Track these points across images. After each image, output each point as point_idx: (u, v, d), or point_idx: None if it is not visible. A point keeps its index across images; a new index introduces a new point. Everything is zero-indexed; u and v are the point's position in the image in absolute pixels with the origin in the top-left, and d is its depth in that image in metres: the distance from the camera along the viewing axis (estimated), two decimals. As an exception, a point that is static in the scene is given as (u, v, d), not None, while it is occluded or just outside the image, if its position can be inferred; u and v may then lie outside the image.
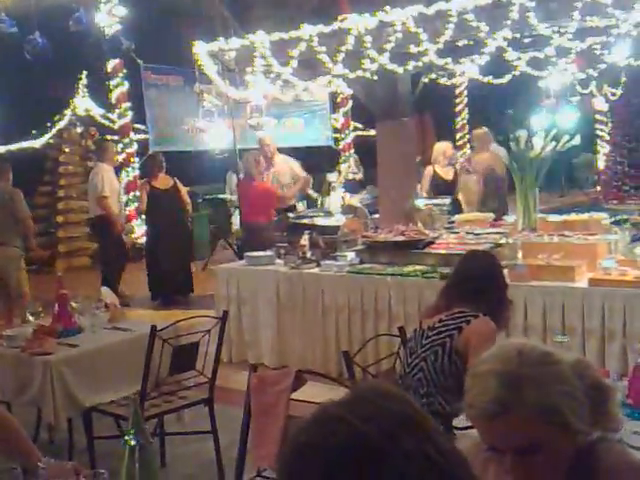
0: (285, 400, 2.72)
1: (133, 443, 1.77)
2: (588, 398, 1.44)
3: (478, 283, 3.10)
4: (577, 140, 5.32)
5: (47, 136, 12.75)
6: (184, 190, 8.18)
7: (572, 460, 1.43)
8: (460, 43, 5.51)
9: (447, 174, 7.43)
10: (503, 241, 4.92)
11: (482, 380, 1.41)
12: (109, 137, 11.42)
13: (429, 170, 7.50)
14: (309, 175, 8.27)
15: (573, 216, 5.28)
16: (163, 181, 7.91)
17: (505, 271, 4.18)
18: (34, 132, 13.16)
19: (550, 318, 4.29)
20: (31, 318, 4.11)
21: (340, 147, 11.43)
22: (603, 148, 13.12)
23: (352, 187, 10.99)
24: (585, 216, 5.21)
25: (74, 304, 4.03)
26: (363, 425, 0.96)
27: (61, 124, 12.51)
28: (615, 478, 1.42)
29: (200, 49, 6.59)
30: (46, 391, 3.45)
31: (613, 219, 5.07)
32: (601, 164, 12.84)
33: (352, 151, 11.04)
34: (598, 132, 13.17)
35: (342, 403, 1.02)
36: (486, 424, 1.41)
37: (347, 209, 6.79)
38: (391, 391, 1.06)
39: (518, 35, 5.38)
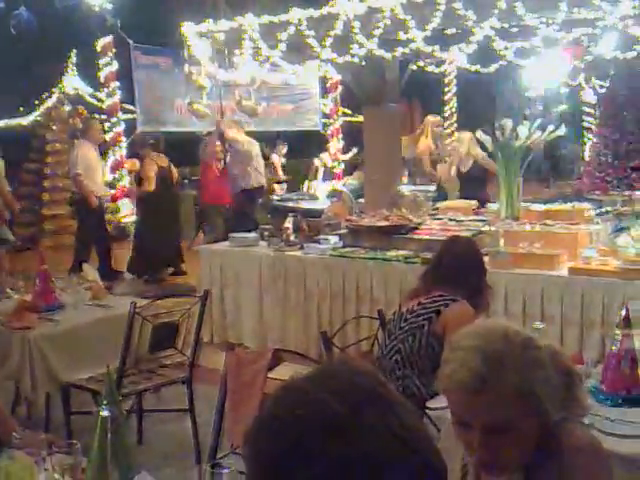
0: (262, 379, 2.75)
1: (105, 414, 1.79)
2: (558, 383, 1.47)
3: (457, 268, 3.15)
4: (562, 130, 5.35)
5: (35, 114, 12.67)
6: (175, 170, 8.24)
7: (538, 439, 1.46)
8: (448, 31, 5.51)
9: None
10: (486, 228, 4.96)
11: (464, 354, 1.42)
12: (97, 116, 11.36)
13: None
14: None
15: (556, 206, 5.31)
16: (162, 160, 8.00)
17: (487, 258, 4.25)
18: (22, 109, 13.07)
19: (530, 306, 4.33)
20: (12, 293, 4.11)
21: (329, 132, 11.43)
22: (591, 140, 13.20)
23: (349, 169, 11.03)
24: (568, 206, 5.24)
25: (56, 280, 4.04)
26: (328, 398, 0.97)
27: (49, 102, 12.43)
28: (577, 456, 1.46)
29: (189, 30, 6.56)
30: (25, 365, 3.46)
31: (598, 210, 5.10)
32: (586, 155, 12.93)
33: (340, 136, 11.06)
34: (586, 124, 13.24)
35: (309, 377, 1.03)
36: (461, 397, 1.43)
37: (332, 193, 6.81)
38: (358, 366, 1.08)
39: (506, 25, 5.39)
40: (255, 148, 8.25)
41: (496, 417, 1.41)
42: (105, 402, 1.78)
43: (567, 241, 4.55)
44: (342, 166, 11.22)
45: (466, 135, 6.58)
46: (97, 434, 1.78)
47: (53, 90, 12.46)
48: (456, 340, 1.49)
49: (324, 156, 11.38)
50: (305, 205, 6.05)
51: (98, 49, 9.88)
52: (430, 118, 8.47)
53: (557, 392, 1.46)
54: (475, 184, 6.58)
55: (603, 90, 10.14)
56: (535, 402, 1.42)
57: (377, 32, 5.48)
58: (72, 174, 7.93)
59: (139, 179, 8.00)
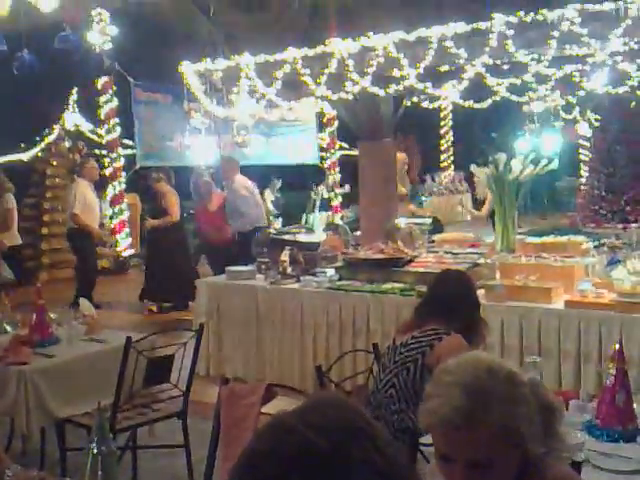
0: (255, 413, 2.74)
1: (95, 452, 1.79)
2: (539, 418, 1.47)
3: (450, 301, 3.15)
4: (555, 164, 5.41)
5: (35, 149, 12.78)
6: None
7: (518, 473, 1.46)
8: (441, 68, 5.61)
9: None
10: (481, 261, 4.98)
11: (448, 389, 1.42)
12: (97, 152, 11.47)
13: None
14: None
15: (551, 238, 5.34)
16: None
17: (482, 291, 4.27)
18: (23, 145, 13.19)
19: (527, 339, 4.33)
20: (9, 328, 4.11)
21: (326, 166, 11.55)
22: (586, 173, 13.32)
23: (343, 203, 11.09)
24: (564, 239, 5.27)
25: (52, 315, 4.04)
26: (314, 435, 0.98)
27: (50, 138, 12.56)
28: None
29: (187, 68, 6.69)
30: (20, 401, 3.44)
31: (597, 243, 5.12)
32: (582, 188, 13.04)
33: (337, 170, 11.17)
34: (582, 157, 13.37)
35: (296, 412, 1.04)
36: (445, 433, 1.42)
37: (329, 226, 6.85)
38: (344, 401, 1.09)
39: (498, 61, 5.49)
40: (250, 189, 8.29)
41: (479, 453, 1.40)
42: (96, 439, 1.78)
43: (563, 274, 4.57)
44: (339, 199, 11.30)
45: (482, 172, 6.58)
46: (88, 472, 1.78)
47: (54, 127, 12.60)
48: (439, 375, 1.49)
49: (320, 188, 11.46)
50: (302, 238, 6.06)
51: (99, 87, 10.05)
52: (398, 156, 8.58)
53: (539, 428, 1.46)
54: None
55: (598, 124, 10.27)
56: (518, 438, 1.42)
57: (370, 70, 5.58)
58: (69, 214, 8.19)
59: (161, 210, 8.11)
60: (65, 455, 3.58)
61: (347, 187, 10.93)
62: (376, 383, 3.22)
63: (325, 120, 11.11)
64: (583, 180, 12.38)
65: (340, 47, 5.67)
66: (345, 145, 12.48)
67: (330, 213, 10.83)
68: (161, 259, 8.05)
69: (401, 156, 8.59)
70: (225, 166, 8.24)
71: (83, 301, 4.27)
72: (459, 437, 1.40)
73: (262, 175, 12.56)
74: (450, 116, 12.75)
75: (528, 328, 4.32)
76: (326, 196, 11.34)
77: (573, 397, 2.88)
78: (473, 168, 5.24)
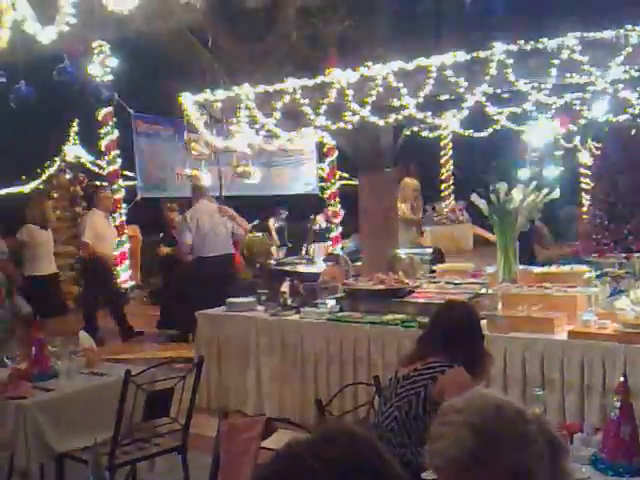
0: (255, 448, 2.70)
1: (92, 490, 1.76)
2: (547, 454, 1.43)
3: (453, 333, 3.11)
4: (557, 193, 5.41)
5: (36, 182, 12.84)
6: None
7: None
8: (441, 97, 5.64)
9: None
10: (483, 291, 4.94)
11: (456, 429, 1.38)
12: (98, 183, 11.51)
13: None
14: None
15: (553, 268, 5.31)
16: None
17: (484, 322, 4.22)
18: (24, 178, 13.25)
19: (530, 370, 4.27)
20: (8, 362, 4.07)
21: (326, 196, 11.58)
22: (587, 201, 13.33)
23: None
24: (566, 268, 5.24)
25: (51, 348, 4.01)
26: (321, 466, 0.97)
27: (51, 170, 12.62)
28: None
29: (187, 100, 6.74)
30: (19, 436, 3.41)
31: (599, 272, 5.09)
32: (584, 217, 13.04)
33: (337, 200, 11.19)
34: (583, 185, 13.40)
35: (306, 442, 1.03)
36: (454, 474, 1.38)
37: (329, 257, 6.83)
38: (356, 434, 1.06)
39: (498, 90, 5.52)
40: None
41: None
42: (91, 477, 1.74)
43: (566, 304, 4.53)
44: (339, 229, 11.30)
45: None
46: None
47: (55, 159, 12.68)
48: (445, 414, 1.44)
49: (319, 218, 11.49)
50: (302, 269, 6.05)
51: (99, 118, 10.12)
52: (408, 181, 8.61)
53: (547, 466, 1.42)
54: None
55: (599, 152, 10.31)
56: (528, 477, 1.38)
57: (370, 99, 5.61)
58: (80, 242, 8.25)
59: (173, 239, 8.09)
60: (62, 491, 3.51)
61: (341, 212, 10.96)
62: (377, 416, 3.17)
63: (325, 150, 11.17)
64: (584, 209, 12.39)
65: (340, 77, 5.71)
66: (345, 175, 12.53)
67: (330, 244, 10.83)
68: (175, 288, 7.96)
69: (412, 182, 8.56)
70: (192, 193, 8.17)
71: (82, 334, 4.23)
72: (467, 478, 1.37)
73: (263, 205, 12.61)
74: (450, 145, 12.81)
75: (531, 359, 4.27)
76: (324, 226, 11.37)
77: (577, 430, 2.83)
78: (474, 198, 5.24)
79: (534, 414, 1.49)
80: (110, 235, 8.45)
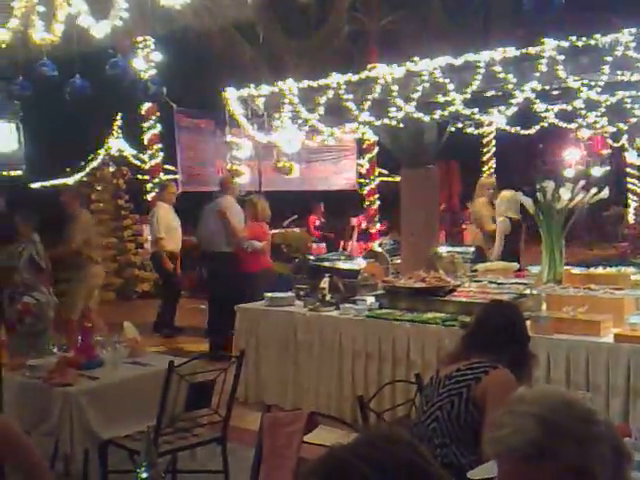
0: (297, 442, 2.70)
1: (144, 476, 1.78)
2: (611, 460, 1.40)
3: (498, 335, 3.05)
4: (605, 193, 5.29)
5: (80, 174, 13.10)
6: None
7: None
8: (488, 94, 5.55)
9: None
10: (527, 292, 4.86)
11: (523, 419, 1.36)
12: (140, 177, 11.68)
13: None
14: None
15: (600, 270, 5.20)
16: None
17: (528, 323, 4.15)
18: (68, 170, 13.54)
19: (574, 373, 4.20)
20: (55, 350, 4.16)
21: (365, 192, 11.55)
22: (635, 202, 13.04)
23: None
24: (613, 270, 5.13)
25: (97, 337, 4.09)
26: (370, 470, 0.97)
27: (94, 163, 12.86)
28: None
29: (230, 94, 6.77)
30: (64, 422, 3.48)
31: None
32: (631, 218, 12.75)
33: (376, 196, 11.14)
34: (630, 185, 13.10)
35: (351, 447, 1.03)
36: (514, 464, 1.36)
37: (368, 254, 6.80)
38: (401, 437, 1.06)
39: (547, 87, 5.40)
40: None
41: None
42: (144, 463, 1.76)
43: (612, 306, 4.44)
44: (378, 226, 11.26)
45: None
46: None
47: (99, 152, 12.91)
48: (514, 403, 1.42)
49: (360, 217, 11.47)
50: (341, 265, 6.02)
51: (142, 112, 10.27)
52: (484, 180, 8.50)
53: (609, 471, 1.39)
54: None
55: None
56: (590, 478, 1.35)
57: (416, 95, 5.55)
58: (154, 238, 8.26)
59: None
60: (107, 477, 3.58)
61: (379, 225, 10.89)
62: (419, 415, 3.13)
63: (365, 146, 11.13)
64: (631, 209, 12.12)
65: (385, 72, 5.67)
66: (384, 171, 12.47)
67: (368, 240, 10.79)
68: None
69: (487, 181, 8.38)
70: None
71: (127, 324, 4.30)
72: (526, 470, 1.35)
73: (302, 201, 12.64)
74: (493, 142, 12.63)
75: (575, 362, 4.20)
76: (364, 227, 11.35)
77: (626, 434, 2.75)
78: (520, 196, 5.15)
79: (605, 418, 1.46)
80: (177, 226, 8.51)
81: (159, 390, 3.45)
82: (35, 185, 13.90)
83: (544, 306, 4.68)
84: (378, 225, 11.16)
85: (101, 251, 7.26)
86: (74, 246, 6.85)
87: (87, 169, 12.98)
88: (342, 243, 11.59)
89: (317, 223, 12.43)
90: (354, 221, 11.62)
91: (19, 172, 11.14)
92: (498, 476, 1.42)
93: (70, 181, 13.28)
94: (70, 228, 6.93)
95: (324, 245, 11.45)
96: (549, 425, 1.35)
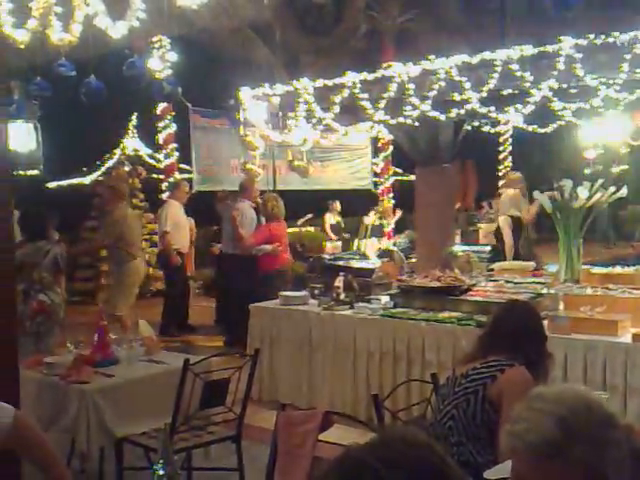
0: (312, 441, 2.69)
1: (161, 473, 1.78)
2: (629, 466, 1.39)
3: (515, 335, 3.04)
4: (624, 192, 5.24)
5: (96, 173, 13.20)
6: None
7: None
8: (505, 92, 5.51)
9: None
10: (544, 291, 4.83)
11: (541, 416, 1.36)
12: (155, 176, 11.74)
13: None
14: None
15: (618, 269, 5.16)
16: None
17: (545, 322, 4.12)
18: (84, 169, 13.65)
19: (591, 373, 4.17)
20: (71, 347, 4.18)
21: (379, 191, 11.52)
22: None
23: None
24: (631, 269, 5.09)
25: (112, 335, 4.11)
26: (387, 471, 0.96)
27: (110, 162, 12.95)
28: None
29: (245, 94, 6.78)
30: (81, 419, 3.49)
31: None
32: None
33: (391, 195, 11.11)
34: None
35: (367, 447, 1.02)
36: (528, 461, 1.36)
37: (383, 253, 6.78)
38: (418, 438, 1.06)
39: (564, 85, 5.36)
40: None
41: None
42: (161, 460, 1.76)
43: (631, 306, 4.41)
44: (392, 225, 11.23)
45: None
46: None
47: (114, 151, 13.00)
48: (532, 399, 1.42)
49: (372, 215, 11.43)
50: (355, 264, 6.01)
51: (158, 112, 10.31)
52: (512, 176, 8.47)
53: (626, 476, 1.37)
54: None
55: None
56: None
57: (431, 94, 5.52)
58: (160, 232, 8.28)
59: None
60: (122, 474, 3.59)
61: (399, 213, 10.86)
62: (435, 414, 3.12)
63: (379, 145, 11.10)
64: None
65: (400, 71, 5.65)
66: (399, 170, 12.44)
67: (382, 239, 10.77)
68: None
69: (516, 176, 8.30)
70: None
71: (142, 322, 4.31)
72: (541, 467, 1.34)
73: (316, 200, 12.63)
74: (509, 141, 12.56)
75: (593, 362, 4.17)
76: (378, 223, 11.31)
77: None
78: (537, 194, 5.11)
79: (625, 423, 1.44)
80: (186, 224, 8.54)
81: (174, 388, 3.46)
82: (52, 185, 14.02)
83: (561, 305, 4.64)
84: (393, 223, 11.13)
85: (139, 247, 7.12)
86: (104, 241, 6.90)
87: (103, 168, 13.08)
88: (357, 242, 11.58)
89: (332, 222, 12.40)
90: (367, 220, 11.58)
91: (36, 172, 11.23)
92: (512, 470, 1.41)
93: (86, 181, 13.39)
94: (103, 224, 6.97)
95: (339, 244, 11.44)
96: (568, 426, 1.34)
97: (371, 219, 11.52)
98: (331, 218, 12.36)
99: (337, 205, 12.46)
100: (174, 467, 1.81)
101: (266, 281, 6.88)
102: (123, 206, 7.00)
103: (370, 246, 10.02)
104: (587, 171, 9.68)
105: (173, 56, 9.46)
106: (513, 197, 6.48)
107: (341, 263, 6.06)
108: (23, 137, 9.30)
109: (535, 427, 1.35)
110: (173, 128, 10.48)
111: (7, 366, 3.29)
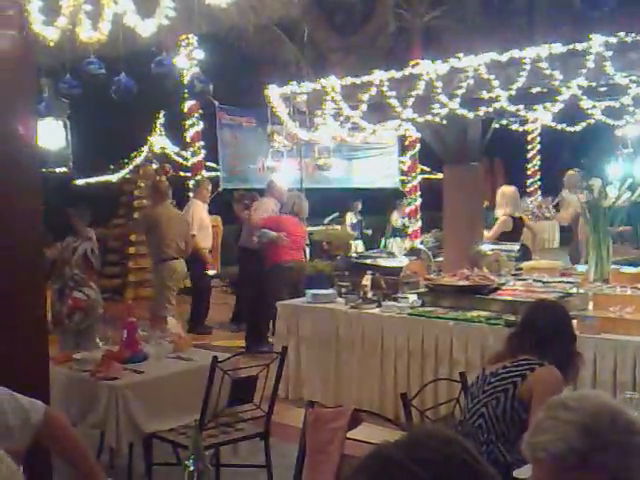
0: (341, 438, 2.70)
1: (192, 469, 1.80)
2: None
3: (545, 334, 3.03)
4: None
5: (124, 171, 13.34)
6: None
7: None
8: (533, 90, 5.46)
9: None
10: (573, 291, 4.79)
11: (565, 427, 1.35)
12: (182, 174, 11.82)
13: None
14: None
15: (648, 269, 5.08)
16: None
17: (574, 322, 4.08)
18: (112, 167, 13.79)
19: (621, 374, 4.12)
20: (101, 343, 4.24)
21: (407, 189, 11.47)
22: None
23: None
24: (661, 269, 5.01)
25: (141, 332, 4.15)
26: (420, 469, 0.96)
27: (137, 160, 13.07)
28: None
29: (273, 92, 6.80)
30: (110, 415, 3.53)
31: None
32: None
33: (418, 194, 11.05)
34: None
35: (398, 445, 1.02)
36: (552, 470, 1.35)
37: (410, 251, 6.75)
38: (448, 435, 1.06)
39: (594, 84, 5.29)
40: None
41: None
42: (192, 456, 1.78)
43: (661, 306, 4.33)
44: (418, 224, 11.18)
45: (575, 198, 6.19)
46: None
47: (142, 149, 13.12)
48: (555, 408, 1.41)
49: (395, 214, 11.39)
50: (383, 262, 5.99)
51: (185, 110, 10.38)
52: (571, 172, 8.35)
53: None
54: None
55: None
56: None
57: (460, 92, 5.49)
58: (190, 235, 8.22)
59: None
60: (151, 470, 3.63)
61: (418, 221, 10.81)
62: (464, 413, 3.12)
63: (407, 143, 11.05)
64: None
65: (428, 69, 5.62)
66: (426, 169, 12.36)
67: (408, 238, 10.72)
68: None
69: (571, 173, 8.15)
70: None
71: (171, 320, 4.36)
72: (565, 477, 1.33)
73: (343, 198, 12.63)
74: (538, 139, 12.42)
75: (622, 362, 4.13)
76: (400, 224, 11.27)
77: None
78: (565, 194, 5.06)
79: None
80: (209, 224, 8.56)
81: (202, 385, 3.48)
82: (80, 182, 14.19)
83: (591, 305, 4.59)
84: (418, 223, 11.08)
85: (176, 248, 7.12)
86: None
87: (130, 166, 13.21)
88: (383, 241, 11.55)
89: (354, 221, 12.39)
90: (393, 219, 11.55)
91: (64, 169, 11.40)
92: (533, 478, 1.40)
93: (114, 178, 13.54)
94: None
95: (360, 243, 11.42)
96: (591, 435, 1.33)
97: (395, 218, 11.49)
98: (352, 217, 12.36)
99: (358, 204, 12.45)
100: (204, 463, 1.83)
101: (271, 274, 6.85)
102: (164, 205, 7.05)
103: (396, 245, 10.00)
104: (615, 171, 9.53)
105: (200, 54, 9.52)
106: (513, 195, 6.45)
107: (368, 261, 6.04)
108: (52, 135, 9.43)
109: (559, 437, 1.34)
110: (200, 126, 10.54)
111: (38, 362, 3.33)
